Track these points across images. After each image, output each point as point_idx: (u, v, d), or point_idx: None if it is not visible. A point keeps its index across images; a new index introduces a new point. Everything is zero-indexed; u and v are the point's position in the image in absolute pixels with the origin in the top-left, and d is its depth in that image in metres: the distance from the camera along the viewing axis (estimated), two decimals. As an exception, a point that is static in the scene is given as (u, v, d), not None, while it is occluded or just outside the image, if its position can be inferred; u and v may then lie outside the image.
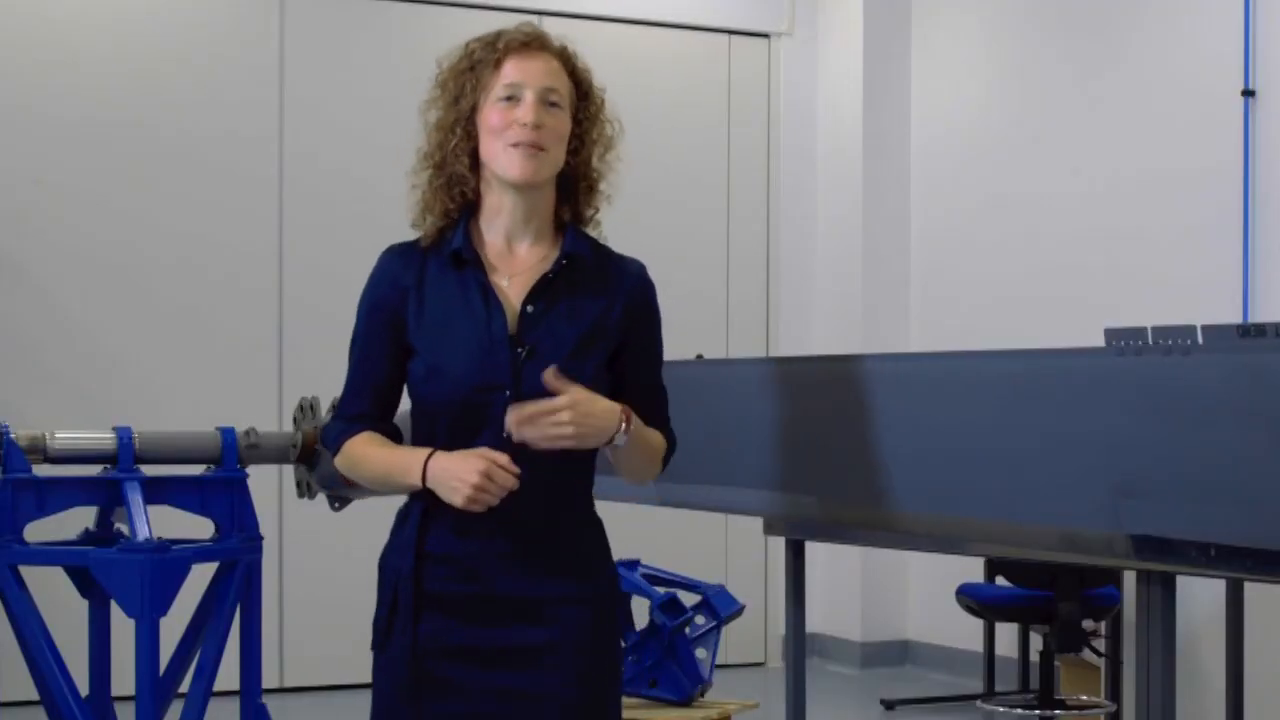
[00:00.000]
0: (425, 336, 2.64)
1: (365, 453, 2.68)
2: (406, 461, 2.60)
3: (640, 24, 7.46)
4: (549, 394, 2.52)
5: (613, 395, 2.64)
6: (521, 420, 2.50)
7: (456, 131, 2.66)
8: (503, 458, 2.52)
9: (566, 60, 2.70)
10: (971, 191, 7.18)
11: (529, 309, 2.64)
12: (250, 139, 6.79)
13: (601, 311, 2.67)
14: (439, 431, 2.62)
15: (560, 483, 2.65)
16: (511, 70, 2.64)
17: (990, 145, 7.08)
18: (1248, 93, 5.79)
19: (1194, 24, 6.06)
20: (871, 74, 7.52)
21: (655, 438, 2.73)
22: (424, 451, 2.58)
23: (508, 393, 2.58)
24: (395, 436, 2.72)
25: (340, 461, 2.74)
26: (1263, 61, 5.78)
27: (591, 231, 2.75)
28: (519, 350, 2.61)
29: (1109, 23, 6.47)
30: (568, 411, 2.49)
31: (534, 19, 7.03)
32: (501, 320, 2.62)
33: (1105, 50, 6.48)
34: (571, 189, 2.73)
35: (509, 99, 2.63)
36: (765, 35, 7.72)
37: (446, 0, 7.00)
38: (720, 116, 7.63)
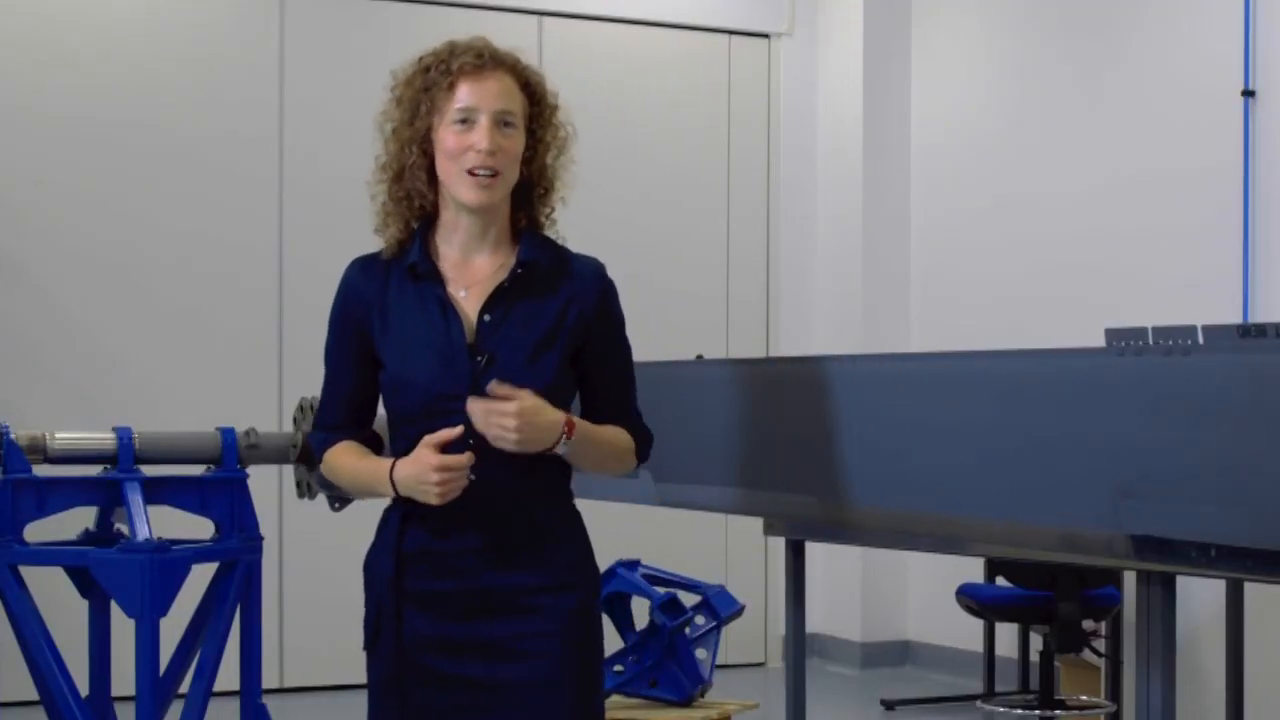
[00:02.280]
0: (390, 349, 2.73)
1: (341, 463, 2.80)
2: (377, 474, 2.71)
3: (640, 24, 7.45)
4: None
5: (580, 394, 2.76)
6: (477, 411, 2.60)
7: (413, 149, 2.73)
8: (435, 456, 2.61)
9: (519, 74, 2.76)
10: (971, 191, 7.18)
11: (486, 318, 2.71)
12: (250, 139, 6.79)
13: (558, 315, 2.73)
14: (410, 438, 2.70)
15: (535, 476, 2.71)
16: (465, 93, 2.69)
17: (990, 145, 7.08)
18: (1248, 93, 5.79)
19: (1194, 24, 6.06)
20: (871, 74, 7.52)
21: (614, 438, 2.80)
22: (387, 463, 2.70)
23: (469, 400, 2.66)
24: (373, 442, 2.84)
25: (323, 469, 2.86)
26: (1263, 61, 5.77)
27: (549, 232, 2.82)
28: (478, 359, 2.68)
29: (1109, 23, 6.47)
30: (513, 419, 2.58)
31: (534, 19, 7.03)
32: (460, 330, 2.70)
33: (1105, 50, 6.48)
34: (527, 194, 2.79)
35: (464, 121, 2.69)
36: (765, 35, 7.72)
37: (446, 0, 7.00)
38: (720, 117, 7.62)
